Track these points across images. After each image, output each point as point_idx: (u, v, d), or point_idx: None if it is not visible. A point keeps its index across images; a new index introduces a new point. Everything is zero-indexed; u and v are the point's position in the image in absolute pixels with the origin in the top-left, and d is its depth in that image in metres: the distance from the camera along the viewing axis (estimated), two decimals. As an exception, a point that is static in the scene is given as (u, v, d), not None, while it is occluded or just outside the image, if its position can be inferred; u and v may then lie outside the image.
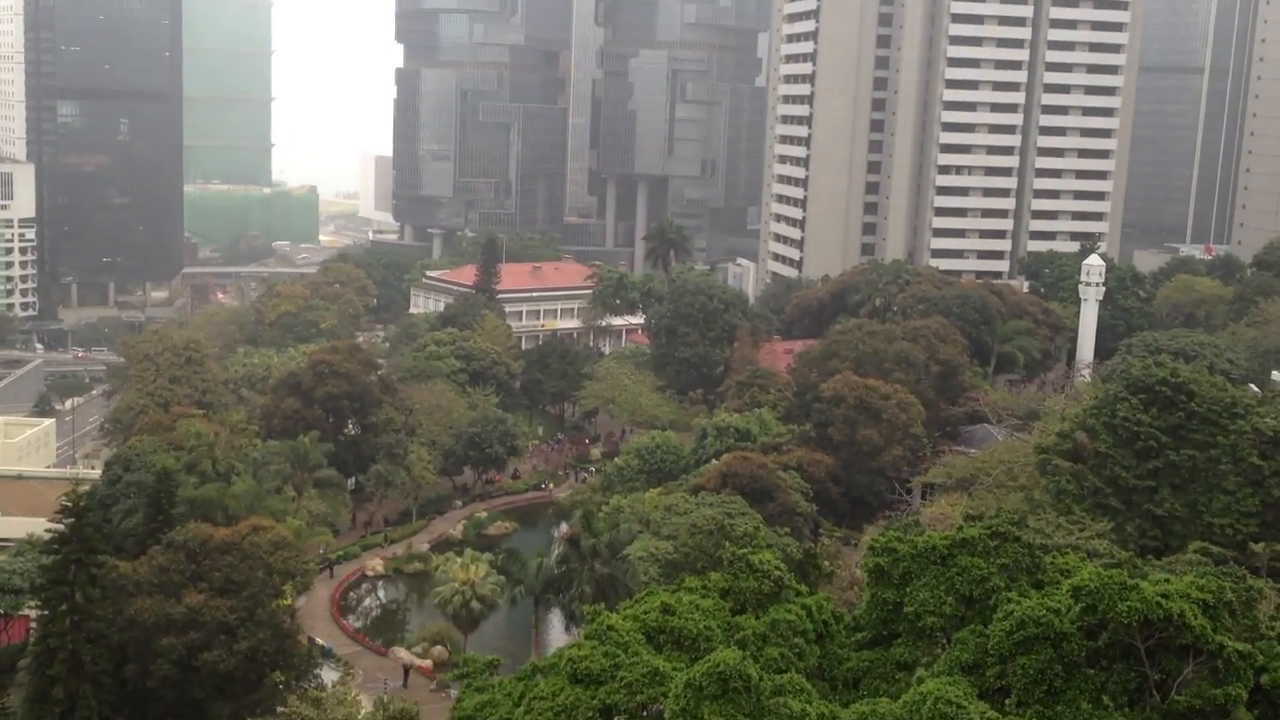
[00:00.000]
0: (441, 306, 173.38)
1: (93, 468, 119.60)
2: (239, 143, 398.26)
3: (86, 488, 79.26)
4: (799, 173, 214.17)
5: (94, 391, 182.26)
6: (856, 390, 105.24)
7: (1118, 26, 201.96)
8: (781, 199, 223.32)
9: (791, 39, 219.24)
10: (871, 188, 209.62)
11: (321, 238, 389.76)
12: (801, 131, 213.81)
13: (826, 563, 62.95)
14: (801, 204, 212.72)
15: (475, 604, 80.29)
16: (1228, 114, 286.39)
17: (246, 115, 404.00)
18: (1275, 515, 73.36)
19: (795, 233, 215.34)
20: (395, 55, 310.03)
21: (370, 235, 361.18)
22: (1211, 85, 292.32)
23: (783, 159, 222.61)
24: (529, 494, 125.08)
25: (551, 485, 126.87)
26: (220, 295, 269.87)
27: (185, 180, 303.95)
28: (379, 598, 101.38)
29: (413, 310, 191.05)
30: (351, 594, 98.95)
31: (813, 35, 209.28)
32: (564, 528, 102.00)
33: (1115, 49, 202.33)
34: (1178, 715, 38.21)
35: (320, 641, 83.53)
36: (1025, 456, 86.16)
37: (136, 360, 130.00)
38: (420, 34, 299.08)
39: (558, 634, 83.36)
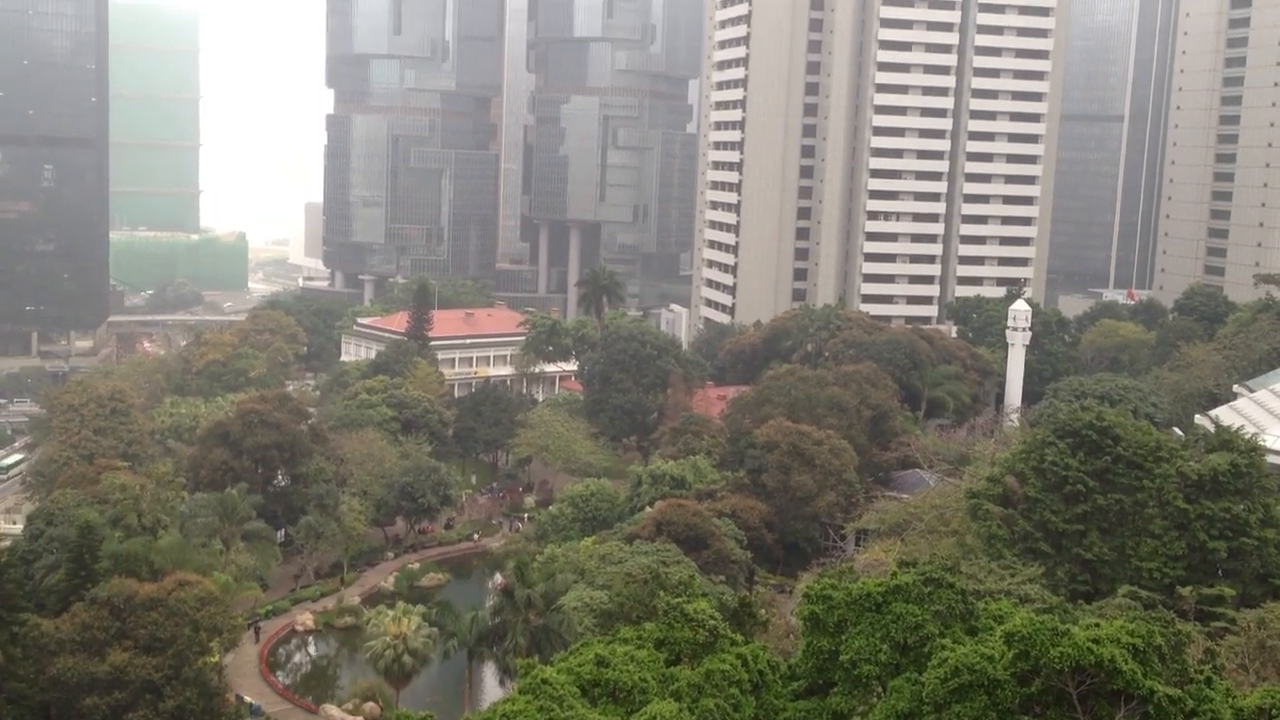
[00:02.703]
0: (373, 354, 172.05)
1: (14, 522, 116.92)
2: (166, 189, 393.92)
3: (7, 543, 77.49)
4: (730, 218, 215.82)
5: (15, 444, 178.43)
6: (789, 436, 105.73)
7: (1039, 75, 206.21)
8: (713, 244, 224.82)
9: (721, 86, 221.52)
10: (802, 233, 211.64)
11: (251, 285, 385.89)
12: (732, 178, 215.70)
13: (762, 611, 62.83)
14: (733, 249, 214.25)
15: (407, 658, 79.21)
16: (1147, 161, 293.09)
17: (174, 161, 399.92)
18: (1201, 559, 74.42)
19: (727, 278, 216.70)
20: (326, 101, 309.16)
21: (300, 282, 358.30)
22: (1131, 132, 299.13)
23: (714, 205, 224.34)
24: (462, 544, 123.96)
25: (476, 536, 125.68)
26: (147, 344, 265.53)
27: (112, 227, 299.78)
28: (309, 653, 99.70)
29: (344, 358, 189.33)
30: (281, 650, 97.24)
31: (742, 83, 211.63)
32: (498, 578, 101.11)
33: (1037, 97, 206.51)
34: (1111, 761, 38.43)
35: (249, 699, 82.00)
36: (956, 501, 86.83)
37: (60, 411, 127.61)
38: (351, 80, 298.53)
39: (492, 688, 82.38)
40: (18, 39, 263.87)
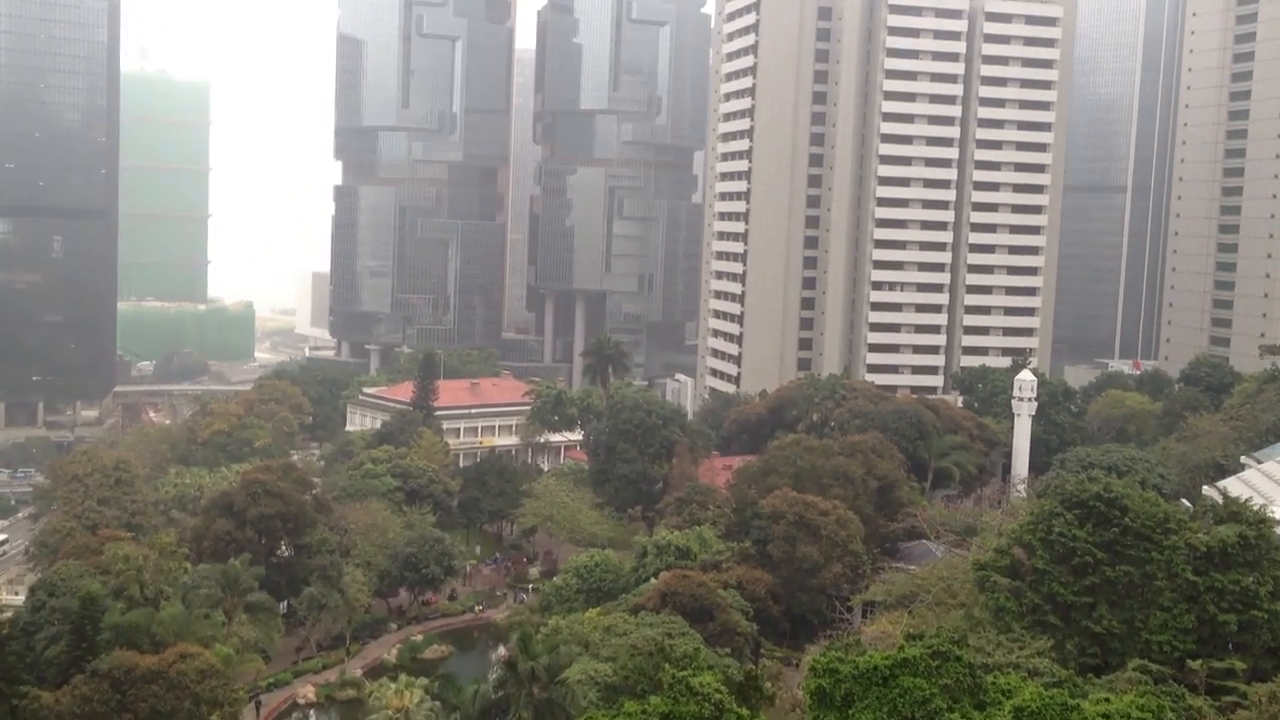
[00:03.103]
0: (378, 423, 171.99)
1: (16, 593, 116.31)
2: (175, 259, 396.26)
3: (9, 615, 77.05)
4: (735, 288, 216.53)
5: (20, 514, 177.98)
6: (795, 506, 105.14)
7: (1041, 148, 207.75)
8: (718, 314, 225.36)
9: (726, 157, 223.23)
10: (807, 303, 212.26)
11: (257, 354, 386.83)
12: (737, 248, 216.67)
13: (768, 684, 62.09)
14: (738, 319, 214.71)
15: (410, 731, 78.39)
16: (1151, 231, 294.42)
17: (183, 232, 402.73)
18: (1211, 632, 73.61)
19: (732, 348, 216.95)
20: (334, 172, 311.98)
21: (307, 351, 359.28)
22: (1134, 204, 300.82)
23: (719, 275, 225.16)
24: (466, 616, 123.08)
25: (479, 608, 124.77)
26: (152, 414, 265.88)
27: (120, 297, 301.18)
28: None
29: (349, 427, 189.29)
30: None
31: (747, 154, 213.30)
32: (501, 650, 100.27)
33: (1039, 169, 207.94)
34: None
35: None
36: (964, 573, 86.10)
37: (64, 482, 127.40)
38: (359, 151, 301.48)
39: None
40: (30, 111, 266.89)
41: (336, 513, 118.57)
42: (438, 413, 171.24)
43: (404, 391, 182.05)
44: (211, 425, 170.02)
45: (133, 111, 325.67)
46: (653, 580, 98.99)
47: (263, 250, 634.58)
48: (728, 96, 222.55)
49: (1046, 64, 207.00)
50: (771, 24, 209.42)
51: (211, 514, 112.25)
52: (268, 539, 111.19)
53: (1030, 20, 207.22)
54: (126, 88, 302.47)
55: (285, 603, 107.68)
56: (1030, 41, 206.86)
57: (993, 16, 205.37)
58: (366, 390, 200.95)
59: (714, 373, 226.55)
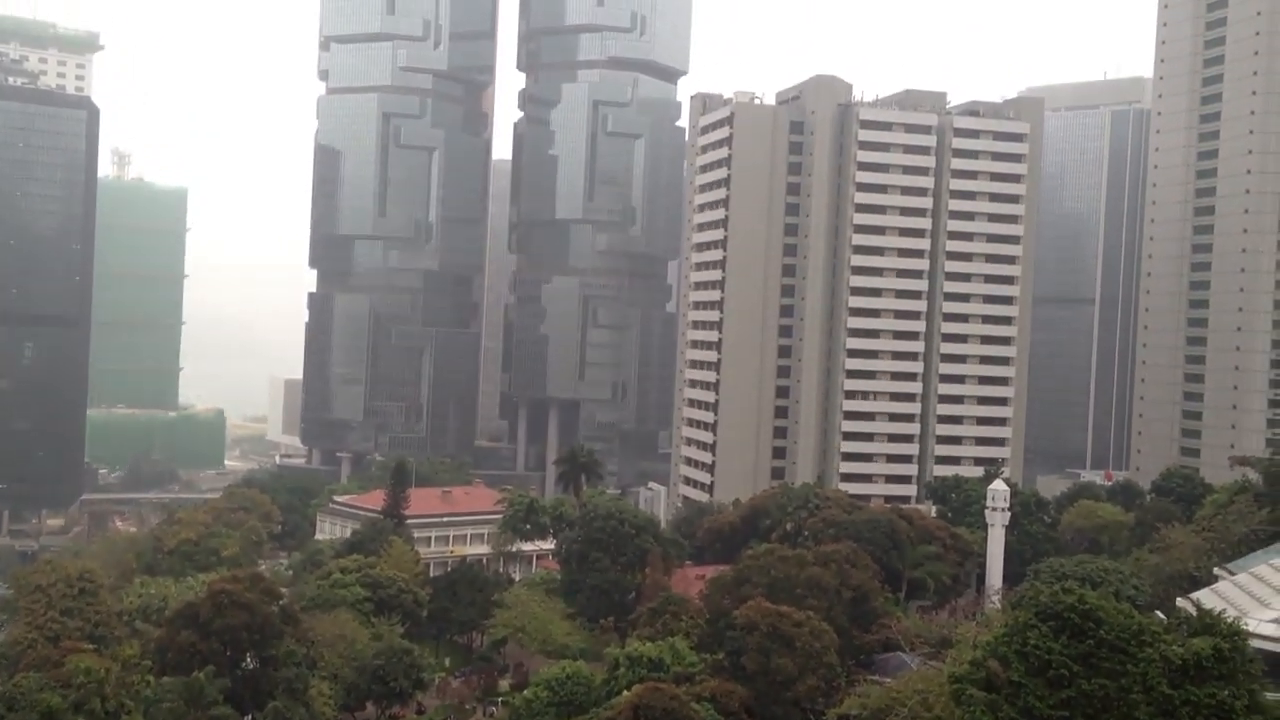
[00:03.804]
0: (348, 532, 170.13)
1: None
2: (147, 366, 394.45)
3: (-36, 730, 75.16)
4: (709, 396, 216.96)
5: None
6: (769, 617, 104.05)
7: (1011, 260, 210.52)
8: (692, 422, 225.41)
9: (700, 267, 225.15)
10: (781, 411, 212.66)
11: (227, 462, 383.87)
12: (711, 356, 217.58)
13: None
14: (712, 428, 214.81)
15: None
16: (1119, 342, 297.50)
17: (156, 339, 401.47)
18: (1189, 745, 72.87)
19: (706, 456, 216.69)
20: (309, 280, 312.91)
21: (277, 459, 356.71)
22: (1103, 315, 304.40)
23: (693, 383, 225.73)
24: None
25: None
26: (119, 522, 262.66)
27: (90, 404, 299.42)
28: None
29: (319, 536, 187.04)
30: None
31: (721, 264, 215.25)
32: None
33: (1009, 280, 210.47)
34: None
35: None
36: (940, 686, 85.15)
37: (26, 592, 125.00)
38: (335, 259, 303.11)
39: None
40: (5, 219, 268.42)
41: (304, 624, 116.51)
42: (409, 521, 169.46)
43: (375, 500, 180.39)
44: (178, 534, 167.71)
45: (109, 218, 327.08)
46: (625, 694, 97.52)
47: (235, 357, 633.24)
48: (702, 207, 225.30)
49: (1014, 179, 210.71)
50: (745, 137, 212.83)
51: (176, 625, 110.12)
52: (233, 651, 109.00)
53: (998, 136, 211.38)
54: (104, 195, 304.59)
55: (249, 717, 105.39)
56: (998, 157, 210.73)
57: (961, 133, 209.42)
58: (337, 499, 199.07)
59: (687, 481, 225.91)
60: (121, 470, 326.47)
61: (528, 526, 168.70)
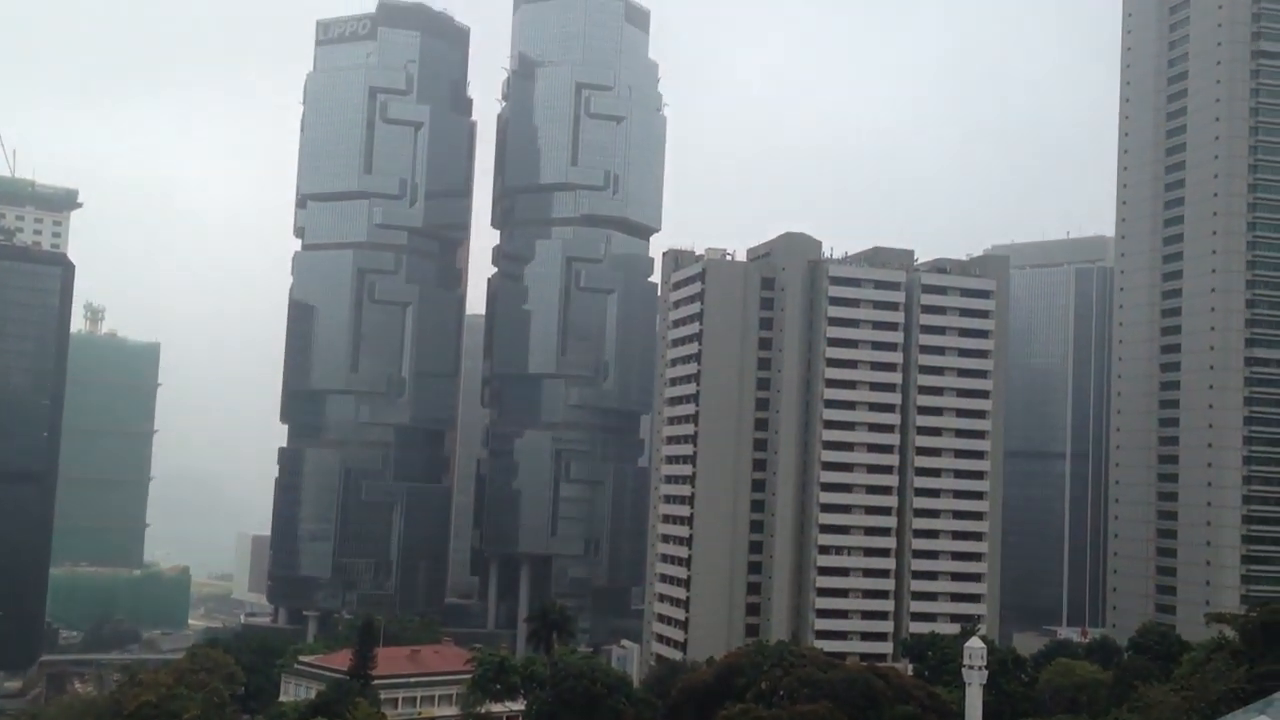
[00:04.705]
0: (314, 693, 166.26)
1: None
2: (113, 523, 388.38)
3: None
4: (682, 552, 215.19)
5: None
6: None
7: (981, 414, 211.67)
8: (665, 578, 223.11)
9: (673, 421, 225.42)
10: (754, 567, 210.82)
11: (192, 621, 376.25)
12: (684, 511, 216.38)
13: None
14: (685, 584, 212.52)
15: None
16: (1091, 497, 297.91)
17: (123, 495, 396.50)
18: None
19: (679, 613, 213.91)
20: (279, 434, 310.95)
21: (242, 618, 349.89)
22: (1074, 469, 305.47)
23: (666, 538, 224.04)
24: None
25: None
26: (79, 684, 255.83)
27: (53, 562, 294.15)
28: None
29: (283, 698, 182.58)
30: None
31: (693, 418, 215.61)
32: None
33: (980, 435, 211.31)
34: None
35: None
36: None
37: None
38: (306, 413, 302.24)
39: None
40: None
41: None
42: (376, 682, 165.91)
43: (341, 660, 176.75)
44: (139, 696, 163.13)
45: (81, 373, 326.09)
46: None
47: (203, 513, 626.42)
48: (674, 362, 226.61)
49: (982, 334, 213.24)
50: (716, 292, 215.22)
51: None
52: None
53: (965, 293, 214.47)
54: (76, 350, 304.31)
55: None
56: (966, 313, 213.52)
57: (929, 289, 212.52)
58: (302, 659, 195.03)
59: (660, 638, 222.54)
60: (83, 630, 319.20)
61: (498, 687, 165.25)
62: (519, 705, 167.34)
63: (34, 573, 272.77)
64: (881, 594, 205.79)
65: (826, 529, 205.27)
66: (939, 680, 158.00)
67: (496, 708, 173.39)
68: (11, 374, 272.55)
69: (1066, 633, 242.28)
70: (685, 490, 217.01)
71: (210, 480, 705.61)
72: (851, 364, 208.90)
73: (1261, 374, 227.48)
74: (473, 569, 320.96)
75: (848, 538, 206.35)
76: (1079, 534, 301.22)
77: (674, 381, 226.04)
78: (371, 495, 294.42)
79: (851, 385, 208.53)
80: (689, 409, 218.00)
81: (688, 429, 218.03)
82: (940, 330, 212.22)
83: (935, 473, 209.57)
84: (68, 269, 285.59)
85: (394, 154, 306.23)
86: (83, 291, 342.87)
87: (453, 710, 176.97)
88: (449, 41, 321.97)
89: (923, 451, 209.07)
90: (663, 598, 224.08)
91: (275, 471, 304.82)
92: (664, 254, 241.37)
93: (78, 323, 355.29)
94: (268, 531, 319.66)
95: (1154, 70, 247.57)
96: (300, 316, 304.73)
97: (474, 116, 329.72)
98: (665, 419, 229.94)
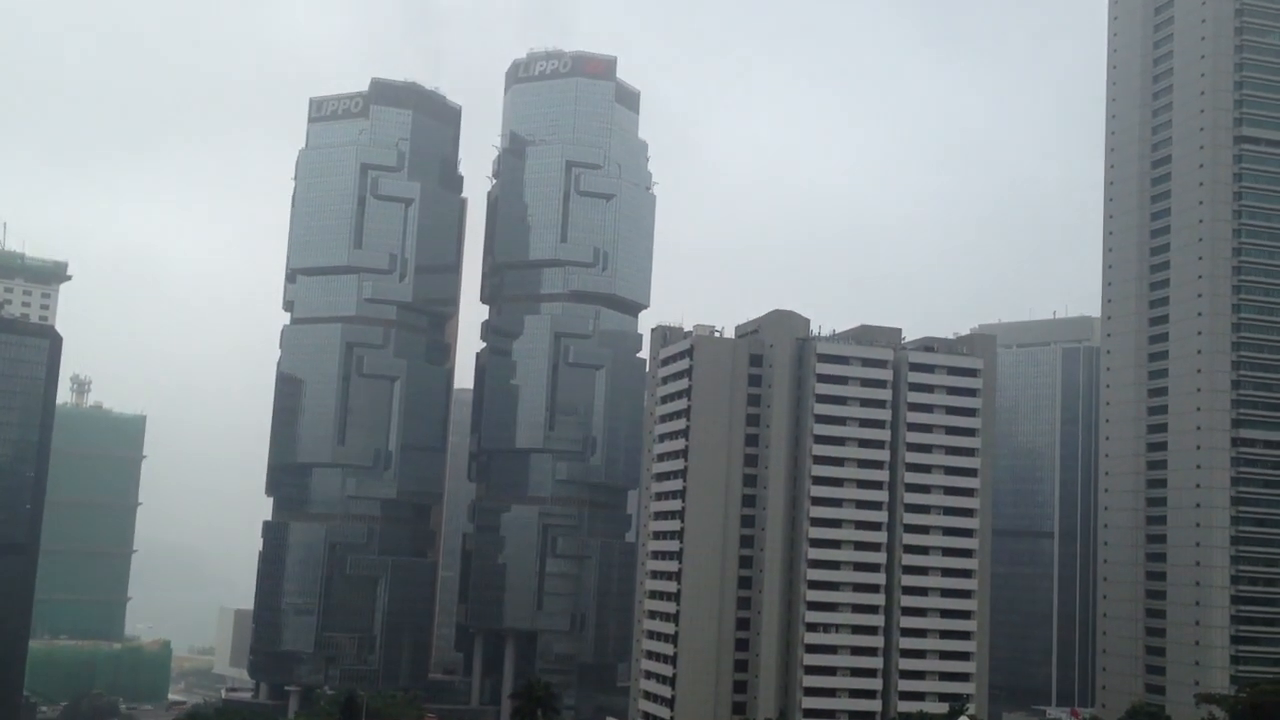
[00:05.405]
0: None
1: None
2: (94, 596, 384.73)
3: None
4: (669, 628, 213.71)
5: None
6: None
7: (969, 492, 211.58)
8: (651, 654, 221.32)
9: (660, 497, 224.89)
10: (741, 644, 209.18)
11: (172, 695, 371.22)
12: (671, 587, 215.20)
13: None
14: (671, 660, 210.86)
15: None
16: (1080, 576, 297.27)
17: (105, 568, 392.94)
18: None
19: (666, 690, 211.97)
20: (264, 508, 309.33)
21: (223, 693, 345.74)
22: (1062, 549, 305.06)
23: (653, 614, 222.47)
24: None
25: None
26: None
27: (33, 635, 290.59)
28: None
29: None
30: None
31: (681, 494, 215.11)
32: None
33: (968, 513, 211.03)
34: None
35: None
36: None
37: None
38: (291, 487, 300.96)
39: None
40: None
41: None
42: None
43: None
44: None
45: (65, 445, 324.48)
46: None
47: (186, 586, 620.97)
48: (662, 437, 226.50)
49: (970, 412, 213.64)
50: (705, 369, 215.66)
51: None
52: None
53: (952, 371, 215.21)
54: (61, 422, 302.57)
55: None
56: (953, 391, 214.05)
57: (916, 367, 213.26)
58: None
59: (647, 716, 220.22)
60: (62, 704, 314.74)
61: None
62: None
63: (14, 646, 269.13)
64: (870, 672, 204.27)
65: (814, 606, 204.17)
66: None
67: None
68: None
69: (1056, 712, 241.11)
70: (672, 566, 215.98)
71: (193, 553, 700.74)
72: (839, 441, 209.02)
73: (1248, 454, 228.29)
74: (457, 644, 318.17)
75: (836, 615, 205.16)
76: (1068, 613, 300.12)
77: (662, 457, 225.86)
78: (356, 569, 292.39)
79: (839, 463, 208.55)
80: (677, 484, 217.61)
81: (675, 504, 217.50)
82: (928, 408, 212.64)
83: (923, 550, 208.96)
84: (55, 341, 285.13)
85: (384, 229, 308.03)
86: (70, 362, 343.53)
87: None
88: (441, 120, 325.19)
89: (911, 529, 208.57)
90: (649, 674, 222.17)
91: (259, 545, 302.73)
92: (652, 330, 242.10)
93: (64, 394, 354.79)
94: (250, 605, 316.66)
95: (1138, 153, 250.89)
96: (288, 390, 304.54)
97: (464, 193, 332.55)
98: (653, 494, 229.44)
